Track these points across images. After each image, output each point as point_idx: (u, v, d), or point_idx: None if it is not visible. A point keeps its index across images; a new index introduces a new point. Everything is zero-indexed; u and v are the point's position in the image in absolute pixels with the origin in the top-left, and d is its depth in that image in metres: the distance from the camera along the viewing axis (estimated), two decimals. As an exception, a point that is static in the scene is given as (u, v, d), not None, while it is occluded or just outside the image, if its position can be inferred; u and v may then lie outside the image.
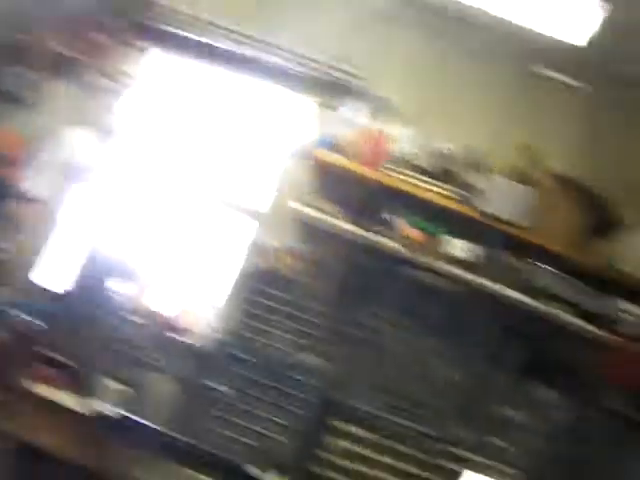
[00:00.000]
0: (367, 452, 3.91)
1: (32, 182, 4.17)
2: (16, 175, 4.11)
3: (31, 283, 4.25)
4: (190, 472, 3.17)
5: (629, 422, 3.88)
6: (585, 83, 4.33)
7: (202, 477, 3.18)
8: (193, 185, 4.45)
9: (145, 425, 3.45)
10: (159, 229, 4.45)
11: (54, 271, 4.31)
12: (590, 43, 3.91)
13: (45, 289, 4.22)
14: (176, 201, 4.47)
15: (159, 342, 3.94)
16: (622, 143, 4.33)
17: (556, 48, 4.08)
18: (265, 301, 4.08)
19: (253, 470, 3.23)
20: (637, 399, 3.89)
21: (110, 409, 3.49)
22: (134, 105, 4.24)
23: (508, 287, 3.86)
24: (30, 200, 4.16)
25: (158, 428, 3.48)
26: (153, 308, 4.10)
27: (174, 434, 3.48)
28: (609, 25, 3.71)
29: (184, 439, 3.49)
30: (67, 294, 4.03)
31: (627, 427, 3.87)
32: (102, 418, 3.45)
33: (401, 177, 3.99)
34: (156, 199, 4.48)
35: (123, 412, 3.52)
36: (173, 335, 3.98)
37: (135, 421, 3.47)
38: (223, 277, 4.38)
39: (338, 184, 4.21)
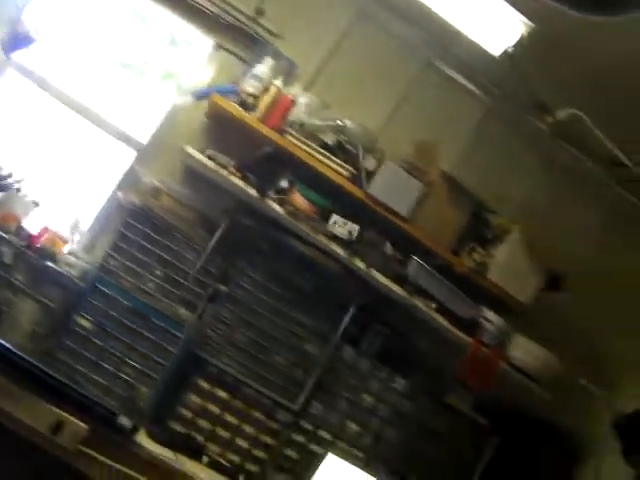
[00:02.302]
0: (224, 414, 3.94)
1: None
2: None
3: None
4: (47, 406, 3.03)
5: (469, 421, 4.15)
6: (485, 93, 4.50)
7: (55, 410, 3.05)
8: (77, 100, 4.22)
9: (9, 350, 3.23)
10: (35, 142, 4.20)
11: None
12: (503, 56, 3.97)
13: None
14: (56, 114, 4.22)
15: (23, 261, 3.73)
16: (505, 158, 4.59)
17: (469, 51, 4.19)
18: (135, 238, 3.95)
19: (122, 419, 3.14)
20: (480, 402, 4.17)
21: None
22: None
23: (379, 272, 3.97)
24: None
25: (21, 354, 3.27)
26: (20, 224, 3.88)
27: (35, 363, 3.28)
28: (526, 43, 3.78)
29: (44, 369, 3.29)
30: None
31: (467, 426, 4.15)
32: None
33: (299, 144, 3.95)
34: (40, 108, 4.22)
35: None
36: (36, 255, 3.76)
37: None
38: (92, 203, 4.22)
39: (234, 136, 4.12)
